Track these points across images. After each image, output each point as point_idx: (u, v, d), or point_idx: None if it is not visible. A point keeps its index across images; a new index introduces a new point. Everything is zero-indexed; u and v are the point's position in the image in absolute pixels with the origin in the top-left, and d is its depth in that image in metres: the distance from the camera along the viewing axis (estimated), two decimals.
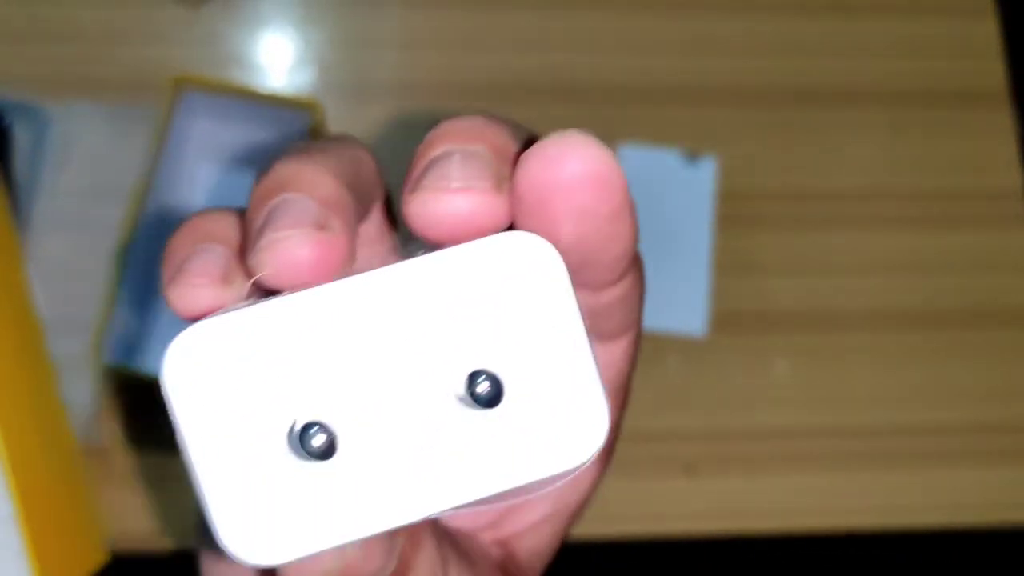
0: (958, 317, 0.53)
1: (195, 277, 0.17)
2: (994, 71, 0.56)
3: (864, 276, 0.53)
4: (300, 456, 0.17)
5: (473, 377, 0.17)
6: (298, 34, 0.54)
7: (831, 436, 0.51)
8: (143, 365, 0.48)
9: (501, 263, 0.17)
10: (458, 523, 0.23)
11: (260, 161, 0.50)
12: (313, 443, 0.17)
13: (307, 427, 0.17)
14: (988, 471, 0.51)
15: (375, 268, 0.18)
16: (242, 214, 0.19)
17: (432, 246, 0.18)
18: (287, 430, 0.17)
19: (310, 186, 0.17)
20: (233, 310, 0.17)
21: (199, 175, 0.51)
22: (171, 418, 0.17)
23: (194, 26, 0.53)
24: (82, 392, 0.47)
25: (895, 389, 0.52)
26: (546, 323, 0.17)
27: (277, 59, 0.53)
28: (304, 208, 0.17)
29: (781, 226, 0.52)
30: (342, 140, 0.20)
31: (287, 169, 0.18)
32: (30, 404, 0.44)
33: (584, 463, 0.18)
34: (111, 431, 0.47)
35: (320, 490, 0.17)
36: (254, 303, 0.17)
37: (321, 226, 0.17)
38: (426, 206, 0.17)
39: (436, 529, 0.21)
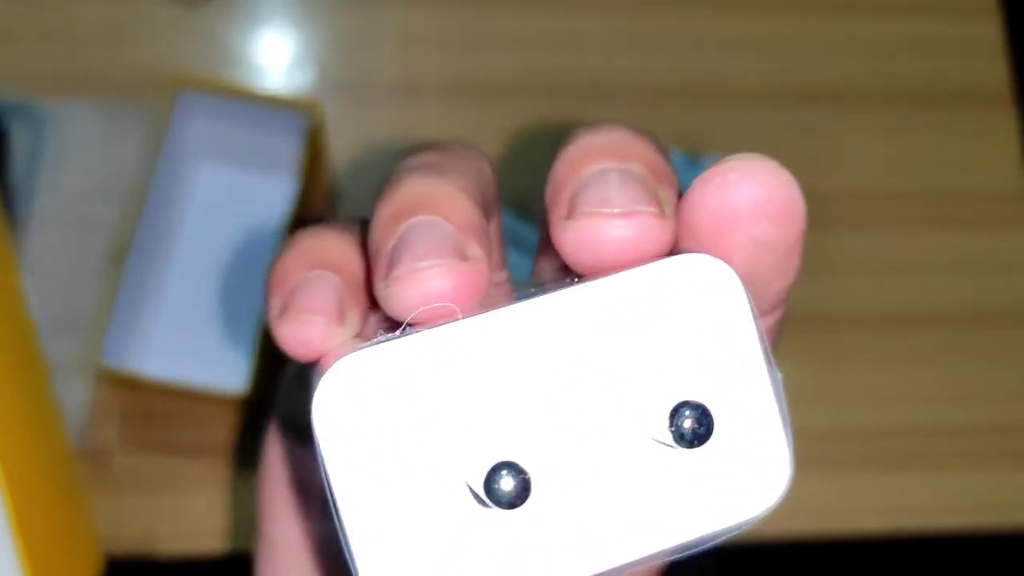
0: (962, 317, 0.53)
1: (308, 312, 0.16)
2: (997, 72, 0.55)
3: (867, 276, 0.53)
4: (481, 504, 0.14)
5: (677, 411, 0.15)
6: (297, 34, 0.54)
7: (834, 437, 0.51)
8: (141, 367, 0.47)
9: (679, 287, 0.15)
10: None
11: (262, 162, 0.50)
12: (503, 487, 0.14)
13: (497, 468, 0.14)
14: (992, 472, 0.51)
15: (498, 295, 0.16)
16: (357, 231, 0.17)
17: (578, 276, 0.16)
18: (464, 474, 0.15)
19: (447, 209, 0.16)
20: (386, 340, 0.15)
21: (197, 175, 0.51)
22: (319, 462, 0.15)
23: (192, 26, 0.53)
24: (79, 394, 0.47)
25: (899, 390, 0.52)
26: (731, 355, 0.16)
27: (276, 59, 0.53)
28: (444, 234, 0.15)
29: None
30: (467, 152, 0.18)
31: (419, 187, 0.16)
32: (24, 408, 0.44)
33: (769, 509, 0.16)
34: (108, 434, 0.47)
35: (501, 541, 0.15)
36: (406, 334, 0.15)
37: (463, 255, 0.15)
38: (586, 233, 0.15)
39: None
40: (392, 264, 0.15)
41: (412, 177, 0.16)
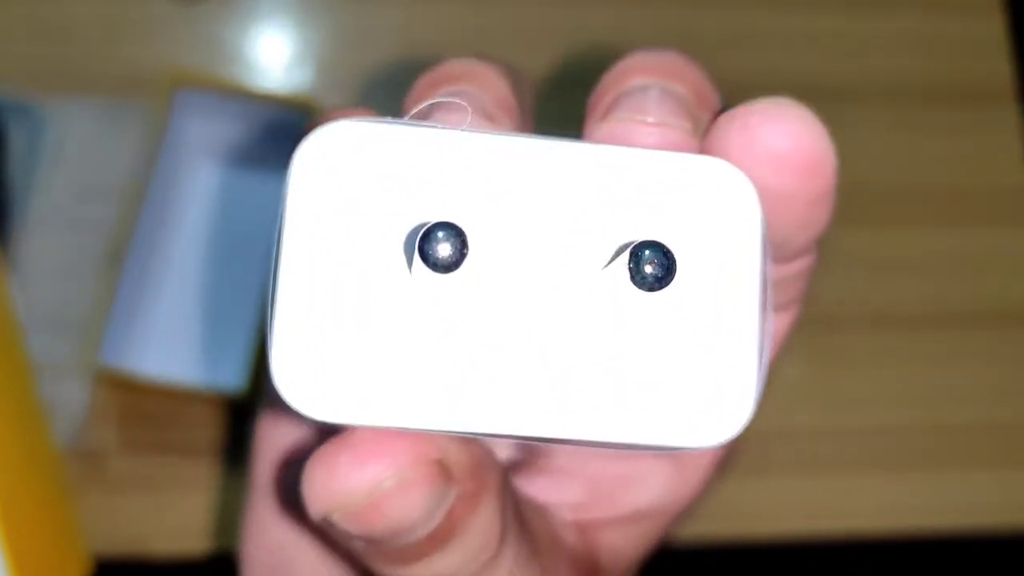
0: (965, 316, 0.53)
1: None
2: (1001, 69, 0.55)
3: (869, 274, 0.53)
4: (412, 271, 0.14)
5: (641, 248, 0.14)
6: (296, 32, 0.54)
7: (833, 437, 0.51)
8: (138, 367, 0.47)
9: (691, 182, 0.15)
10: (538, 491, 0.19)
11: (261, 160, 0.50)
12: (439, 251, 0.13)
13: (434, 228, 0.13)
14: (993, 472, 0.51)
15: None
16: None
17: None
18: (404, 239, 0.14)
19: (484, 83, 0.16)
20: (385, 121, 0.15)
21: (195, 174, 0.50)
22: (280, 216, 0.15)
23: (190, 24, 0.53)
24: (76, 394, 0.47)
25: (902, 389, 0.51)
26: (725, 270, 0.14)
27: (274, 57, 0.53)
28: (479, 100, 0.15)
29: None
30: (504, 63, 0.18)
31: (460, 65, 0.16)
32: (7, 409, 0.43)
33: (709, 447, 0.15)
34: (105, 434, 0.47)
35: (416, 350, 0.14)
36: (409, 124, 0.15)
37: (493, 119, 0.16)
38: (615, 134, 0.15)
39: (505, 491, 0.17)
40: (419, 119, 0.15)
41: (452, 59, 0.16)
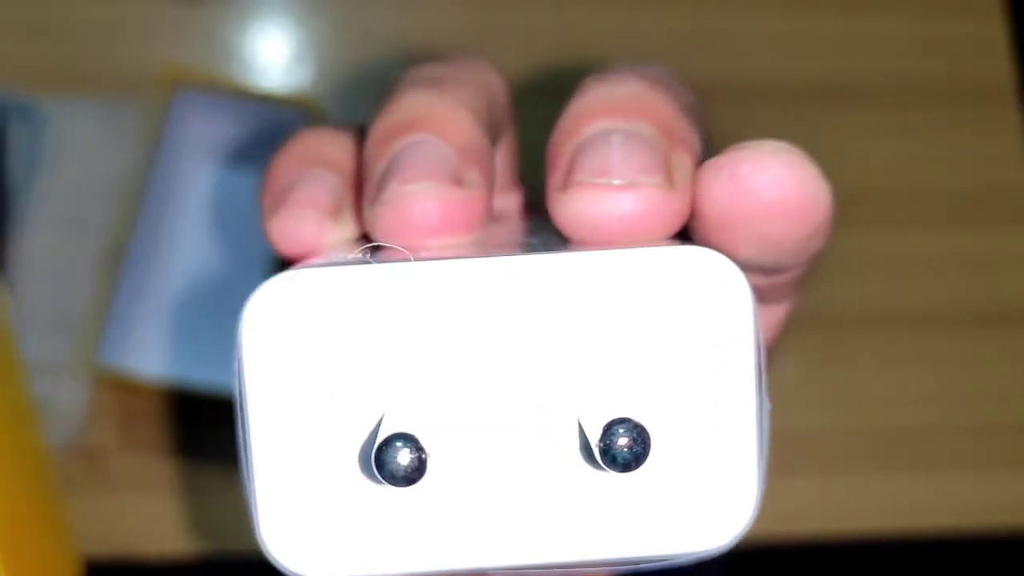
0: (966, 317, 0.53)
1: (300, 207, 0.15)
2: (1002, 70, 0.55)
3: (871, 275, 0.53)
4: (373, 478, 0.14)
5: (611, 427, 0.13)
6: (295, 31, 0.54)
7: (832, 437, 0.51)
8: (137, 367, 0.47)
9: (673, 283, 0.13)
10: None
11: (260, 160, 0.50)
12: (398, 460, 0.13)
13: (392, 439, 0.13)
14: (993, 473, 0.51)
15: (503, 231, 0.15)
16: (357, 135, 0.16)
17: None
18: (366, 435, 0.14)
19: (446, 127, 0.14)
20: (336, 264, 0.14)
21: (195, 173, 0.51)
22: (238, 378, 0.15)
23: (190, 23, 0.53)
24: (75, 394, 0.47)
25: (903, 390, 0.51)
26: (714, 372, 0.14)
27: (274, 57, 0.53)
28: (438, 156, 0.14)
29: None
30: (476, 63, 0.16)
31: (418, 102, 0.15)
32: None
33: (717, 550, 0.15)
34: (104, 434, 0.47)
35: (393, 513, 0.14)
36: (362, 261, 0.14)
37: (458, 180, 0.14)
38: (581, 208, 0.14)
39: None
40: (380, 187, 0.14)
41: (411, 91, 0.15)
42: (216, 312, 0.49)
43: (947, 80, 0.56)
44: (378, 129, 0.15)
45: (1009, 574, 0.51)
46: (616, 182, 0.14)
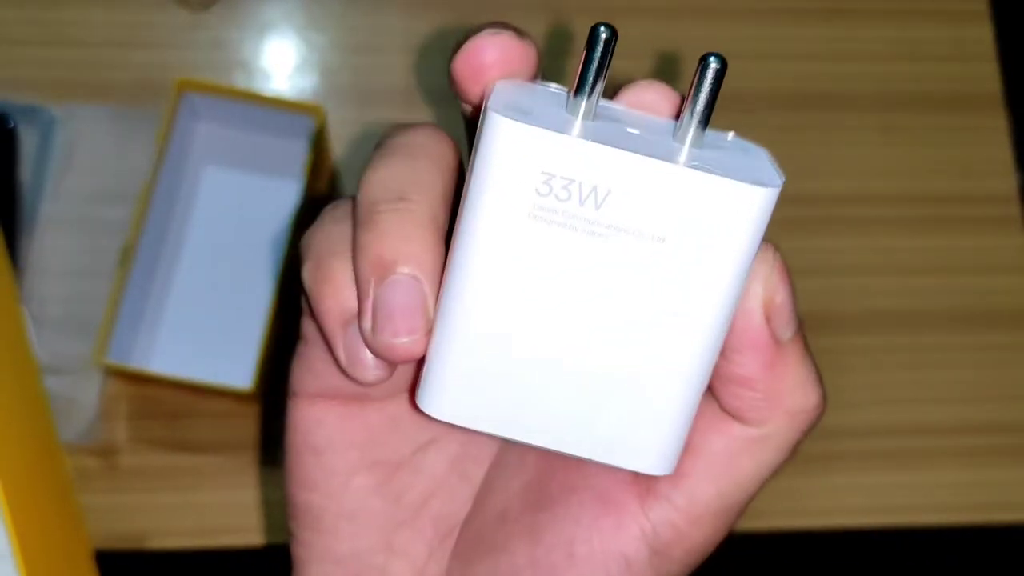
0: (954, 319, 0.53)
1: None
2: (989, 75, 0.56)
3: (858, 279, 0.53)
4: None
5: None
6: (301, 38, 0.54)
7: (830, 437, 0.51)
8: (148, 365, 0.48)
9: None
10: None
11: (267, 164, 0.51)
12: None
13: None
14: (987, 471, 0.51)
15: None
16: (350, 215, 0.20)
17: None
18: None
19: (421, 264, 0.18)
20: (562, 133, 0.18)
21: (202, 178, 0.51)
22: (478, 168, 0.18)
23: (198, 30, 0.53)
24: (88, 392, 0.47)
25: (888, 390, 0.52)
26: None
27: (280, 63, 0.54)
28: (419, 305, 0.18)
29: (776, 228, 0.52)
30: (436, 150, 0.20)
31: (392, 233, 0.19)
32: (16, 406, 0.44)
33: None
34: (117, 431, 0.48)
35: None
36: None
37: (429, 315, 0.19)
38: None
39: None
40: (375, 321, 0.18)
41: (384, 212, 0.19)
42: (225, 311, 0.49)
43: (934, 85, 0.56)
44: (362, 261, 0.19)
45: (1006, 571, 0.51)
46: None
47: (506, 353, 0.19)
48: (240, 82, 0.53)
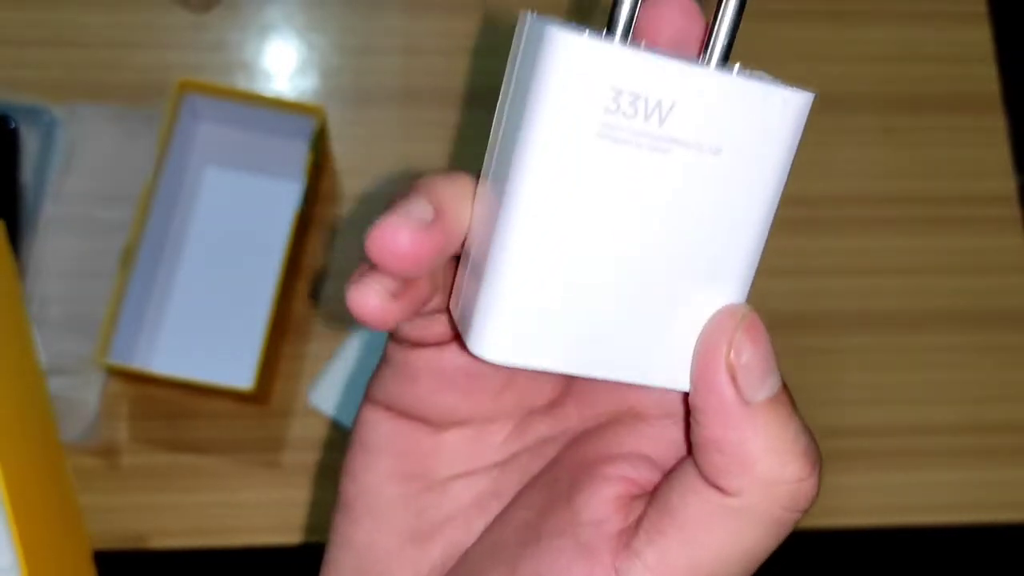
0: (953, 319, 0.53)
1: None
2: (987, 76, 0.56)
3: (859, 279, 0.53)
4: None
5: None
6: (302, 40, 0.54)
7: (826, 436, 0.51)
8: (150, 365, 0.48)
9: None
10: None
11: (268, 165, 0.51)
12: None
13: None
14: (977, 471, 0.52)
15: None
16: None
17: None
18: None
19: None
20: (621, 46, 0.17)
21: (204, 179, 0.51)
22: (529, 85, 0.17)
23: (199, 31, 0.53)
24: (90, 392, 0.47)
25: (888, 390, 0.52)
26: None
27: (281, 64, 0.54)
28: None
29: (776, 229, 0.52)
30: (446, 190, 0.20)
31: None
32: (19, 405, 0.44)
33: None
34: (118, 430, 0.48)
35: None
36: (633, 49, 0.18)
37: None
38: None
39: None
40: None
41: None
42: (226, 311, 0.49)
43: (933, 86, 0.56)
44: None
45: (1004, 571, 0.51)
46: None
47: (565, 282, 0.18)
48: (241, 83, 0.53)
